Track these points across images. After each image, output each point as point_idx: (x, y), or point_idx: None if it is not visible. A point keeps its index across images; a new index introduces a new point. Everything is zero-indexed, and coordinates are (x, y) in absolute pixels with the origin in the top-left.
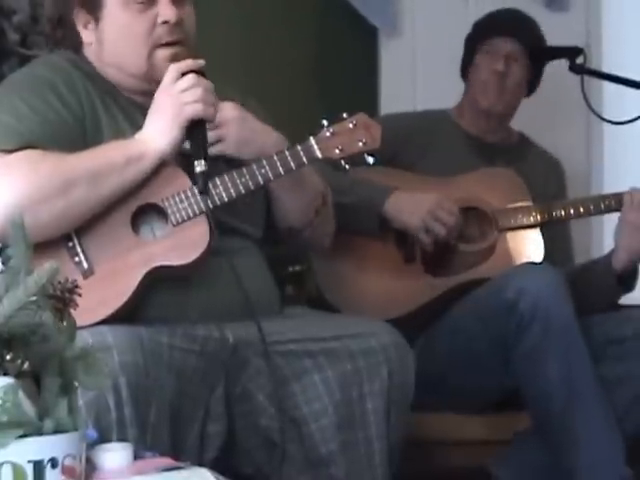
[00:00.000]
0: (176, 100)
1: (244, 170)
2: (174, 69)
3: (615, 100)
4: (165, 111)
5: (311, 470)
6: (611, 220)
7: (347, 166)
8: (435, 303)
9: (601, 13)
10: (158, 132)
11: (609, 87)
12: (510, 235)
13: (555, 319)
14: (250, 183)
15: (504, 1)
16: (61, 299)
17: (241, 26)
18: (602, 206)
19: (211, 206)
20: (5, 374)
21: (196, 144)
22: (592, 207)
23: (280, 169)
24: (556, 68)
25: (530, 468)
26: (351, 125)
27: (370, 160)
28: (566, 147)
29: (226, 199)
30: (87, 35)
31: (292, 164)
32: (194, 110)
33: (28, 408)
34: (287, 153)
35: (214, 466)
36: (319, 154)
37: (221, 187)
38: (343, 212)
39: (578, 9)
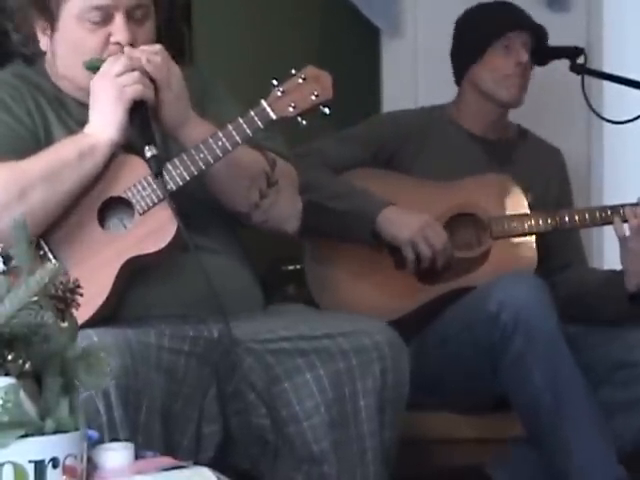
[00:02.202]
0: (114, 83)
1: (201, 146)
2: (111, 60)
3: (615, 100)
4: (106, 96)
5: (304, 468)
6: (612, 232)
7: (304, 122)
8: (425, 309)
9: (602, 13)
10: (104, 120)
11: (610, 87)
12: (504, 243)
13: (537, 329)
14: (209, 157)
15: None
16: (62, 299)
17: (243, 27)
18: (598, 218)
19: (174, 187)
20: (6, 374)
21: (141, 128)
22: (588, 218)
23: (237, 137)
24: (557, 68)
25: (527, 470)
26: (300, 80)
27: (326, 111)
28: (567, 146)
29: (188, 177)
30: (44, 42)
31: (248, 130)
32: (134, 91)
33: (29, 408)
34: (241, 120)
35: (211, 465)
36: (273, 115)
37: (181, 167)
38: (336, 219)
39: (579, 9)
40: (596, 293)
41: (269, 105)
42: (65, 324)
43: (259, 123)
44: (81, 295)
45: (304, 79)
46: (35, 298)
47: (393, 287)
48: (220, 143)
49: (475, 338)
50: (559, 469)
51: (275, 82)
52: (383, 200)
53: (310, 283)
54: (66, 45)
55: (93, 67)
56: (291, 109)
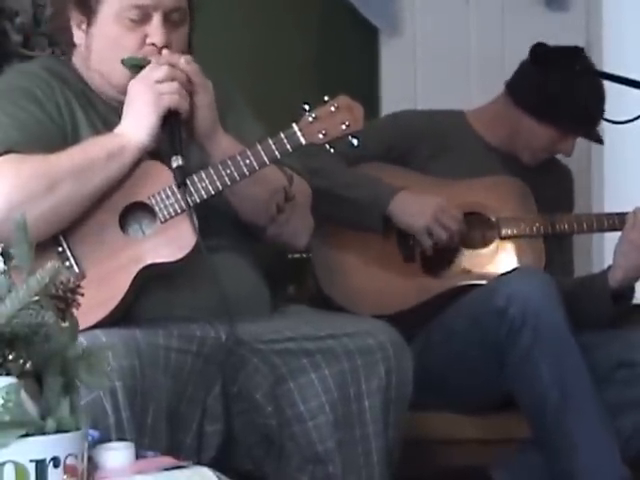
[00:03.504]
0: (153, 89)
1: (228, 162)
2: (152, 65)
3: (615, 99)
4: (142, 100)
5: (309, 468)
6: (612, 235)
7: (332, 150)
8: (430, 304)
9: (601, 12)
10: (136, 123)
11: (609, 86)
12: (512, 243)
13: (545, 323)
14: (235, 174)
15: (504, 2)
16: (63, 299)
17: (242, 27)
18: (605, 224)
19: (198, 200)
20: (7, 374)
21: (171, 138)
22: (595, 224)
23: (265, 158)
24: None
25: (530, 472)
26: (333, 108)
27: (354, 142)
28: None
29: (212, 192)
30: (78, 35)
31: (276, 152)
32: (171, 100)
33: (30, 408)
34: (270, 141)
35: (213, 465)
36: (303, 140)
37: (207, 180)
38: (347, 206)
39: (578, 8)
40: (579, 294)
41: (300, 130)
42: (66, 324)
43: (288, 147)
44: (82, 295)
45: (337, 108)
46: (36, 298)
47: (400, 279)
48: (248, 161)
49: (482, 333)
50: (563, 467)
51: (307, 107)
52: (394, 186)
53: (317, 271)
54: (103, 40)
55: (131, 65)
56: (321, 136)
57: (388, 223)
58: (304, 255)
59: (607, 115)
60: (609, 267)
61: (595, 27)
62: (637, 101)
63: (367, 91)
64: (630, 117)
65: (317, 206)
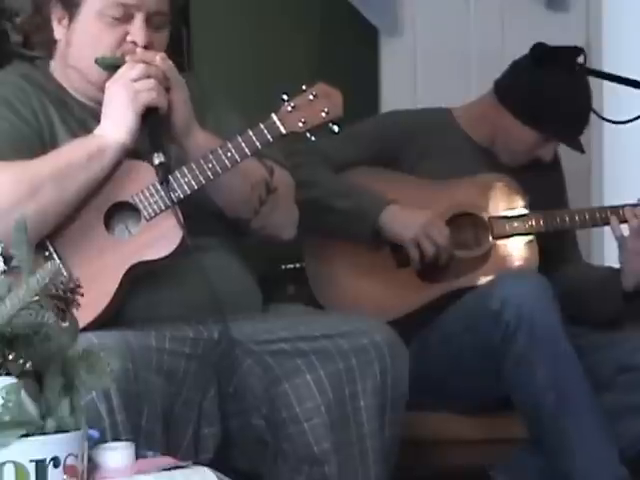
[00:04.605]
0: (129, 88)
1: (210, 156)
2: (128, 65)
3: (615, 99)
4: (120, 99)
5: (305, 469)
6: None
7: (313, 138)
8: (426, 309)
9: (601, 13)
10: (115, 122)
11: (609, 87)
12: (505, 243)
13: (540, 327)
14: (217, 167)
15: (504, 2)
16: (63, 299)
17: (243, 27)
18: (598, 218)
19: (182, 196)
20: (7, 374)
21: (151, 135)
22: (588, 219)
23: (246, 150)
24: None
25: (529, 472)
26: (311, 96)
27: (335, 129)
28: (567, 146)
29: (196, 187)
30: (59, 31)
31: (257, 143)
32: (148, 97)
33: (30, 408)
34: (251, 133)
35: (211, 466)
36: (283, 130)
37: (189, 175)
38: (337, 217)
39: (578, 9)
40: (592, 291)
41: (279, 119)
42: (66, 324)
43: (269, 137)
44: (82, 295)
45: (315, 95)
46: (36, 298)
47: (395, 285)
48: (229, 154)
49: (477, 337)
50: (561, 469)
51: (285, 97)
52: (384, 198)
53: (311, 281)
54: (82, 36)
55: (106, 64)
56: (301, 125)
57: (378, 236)
58: (297, 265)
59: (607, 115)
60: (620, 270)
61: (595, 27)
62: (637, 101)
63: (367, 91)
64: (630, 117)
65: (306, 217)
